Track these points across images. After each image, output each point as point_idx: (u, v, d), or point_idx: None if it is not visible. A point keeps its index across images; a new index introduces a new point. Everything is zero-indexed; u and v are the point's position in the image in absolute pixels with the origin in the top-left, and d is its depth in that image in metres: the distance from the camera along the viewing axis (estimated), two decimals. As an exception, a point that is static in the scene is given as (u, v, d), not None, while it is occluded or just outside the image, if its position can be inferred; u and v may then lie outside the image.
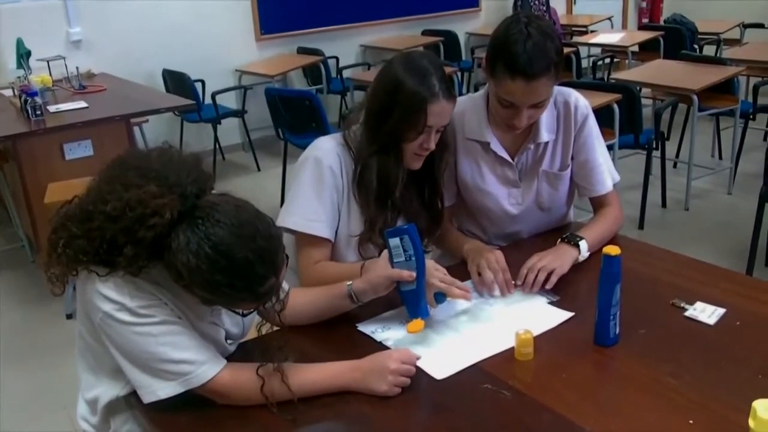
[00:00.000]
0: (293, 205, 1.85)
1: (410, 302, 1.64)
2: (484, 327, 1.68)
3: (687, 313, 1.65)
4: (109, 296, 1.32)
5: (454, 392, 1.44)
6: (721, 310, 1.65)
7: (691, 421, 1.29)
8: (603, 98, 4.06)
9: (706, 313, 1.64)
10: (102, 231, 1.29)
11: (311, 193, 1.83)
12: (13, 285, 4.14)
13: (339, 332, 1.68)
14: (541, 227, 2.14)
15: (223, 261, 1.25)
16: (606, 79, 6.54)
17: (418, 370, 1.47)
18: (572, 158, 2.05)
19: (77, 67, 4.92)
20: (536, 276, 1.77)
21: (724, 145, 5.42)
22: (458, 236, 2.07)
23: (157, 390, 1.36)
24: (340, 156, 1.86)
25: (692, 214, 4.62)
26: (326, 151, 1.86)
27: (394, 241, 1.61)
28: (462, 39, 7.46)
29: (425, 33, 7.32)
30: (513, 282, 1.79)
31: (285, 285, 1.53)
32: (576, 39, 7.12)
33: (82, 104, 4.32)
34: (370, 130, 1.83)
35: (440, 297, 1.68)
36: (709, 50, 7.18)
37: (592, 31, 7.50)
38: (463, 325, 1.68)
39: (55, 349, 3.36)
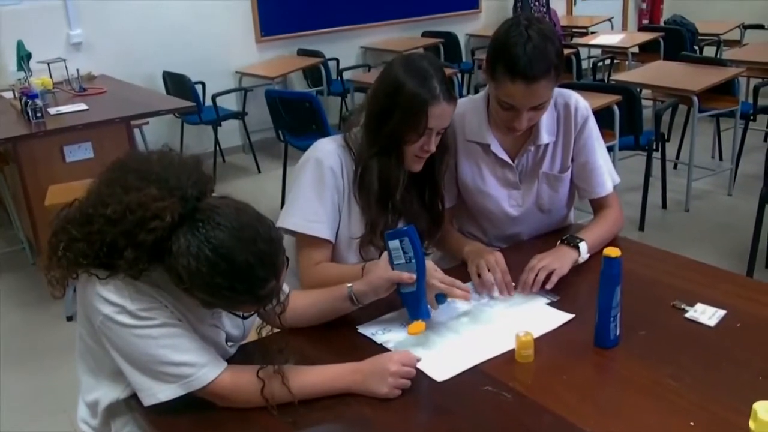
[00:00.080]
0: (294, 206, 1.85)
1: (410, 304, 1.64)
2: (484, 329, 1.68)
3: (687, 315, 1.65)
4: (109, 299, 1.32)
5: (454, 394, 1.44)
6: (721, 312, 1.65)
7: (691, 423, 1.29)
8: (603, 99, 4.06)
9: (707, 314, 1.64)
10: (102, 234, 1.29)
11: (312, 194, 1.83)
12: (13, 287, 4.14)
13: (339, 334, 1.68)
14: (542, 229, 2.14)
15: (224, 264, 1.25)
16: (606, 81, 6.55)
17: (419, 372, 1.47)
18: (572, 160, 2.05)
19: (77, 70, 4.93)
20: (536, 276, 1.77)
21: (725, 146, 5.42)
22: (458, 238, 2.07)
23: (158, 393, 1.36)
24: (341, 157, 1.86)
25: (692, 215, 4.62)
26: (327, 153, 1.86)
27: (394, 243, 1.61)
28: (462, 40, 7.46)
29: (425, 34, 7.32)
30: (513, 284, 1.79)
31: (285, 287, 1.53)
32: (576, 40, 7.12)
33: (83, 106, 4.32)
34: (371, 132, 1.83)
35: (441, 298, 1.68)
36: (709, 51, 7.18)
37: (592, 33, 7.51)
38: (464, 327, 1.68)
39: (55, 351, 3.36)
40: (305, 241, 1.85)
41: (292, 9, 6.53)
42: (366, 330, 1.69)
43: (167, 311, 1.36)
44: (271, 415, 1.37)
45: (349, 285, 1.65)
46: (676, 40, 6.54)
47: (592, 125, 2.02)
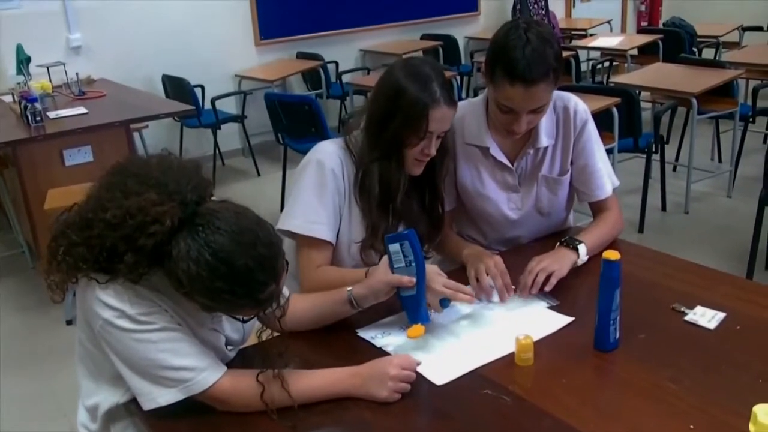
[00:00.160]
0: (294, 207, 1.85)
1: (410, 308, 1.64)
2: (484, 332, 1.68)
3: (687, 318, 1.65)
4: (109, 303, 1.32)
5: (454, 398, 1.44)
6: (721, 315, 1.65)
7: (691, 426, 1.29)
8: (602, 102, 4.06)
9: (707, 317, 1.64)
10: (102, 239, 1.29)
11: (313, 196, 1.83)
12: (13, 291, 4.14)
13: (339, 338, 1.68)
14: (541, 232, 2.14)
15: (224, 268, 1.25)
16: (605, 83, 6.55)
17: (418, 375, 1.47)
18: (571, 163, 2.05)
19: (77, 73, 4.93)
20: (535, 278, 1.77)
21: (724, 148, 5.42)
22: (458, 241, 2.07)
23: (158, 397, 1.36)
24: (342, 160, 1.86)
25: (692, 217, 4.62)
26: (328, 155, 1.86)
27: (394, 247, 1.61)
28: (461, 43, 7.46)
29: (424, 37, 7.33)
30: (512, 286, 1.79)
31: (285, 291, 1.53)
32: (575, 43, 7.12)
33: (82, 110, 4.33)
34: (372, 136, 1.83)
35: (445, 302, 1.68)
36: (708, 53, 7.19)
37: (591, 35, 7.51)
38: (463, 331, 1.68)
39: (55, 355, 3.36)
40: (306, 242, 1.84)
41: (291, 12, 6.53)
42: (366, 333, 1.69)
43: (167, 315, 1.36)
44: (271, 419, 1.37)
45: (349, 288, 1.65)
46: (675, 42, 6.54)
47: (591, 128, 2.03)
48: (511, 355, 1.54)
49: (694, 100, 4.44)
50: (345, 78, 6.49)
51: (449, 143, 1.96)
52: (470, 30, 7.73)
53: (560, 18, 8.20)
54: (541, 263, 1.80)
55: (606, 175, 2.06)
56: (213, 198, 1.38)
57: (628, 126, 4.26)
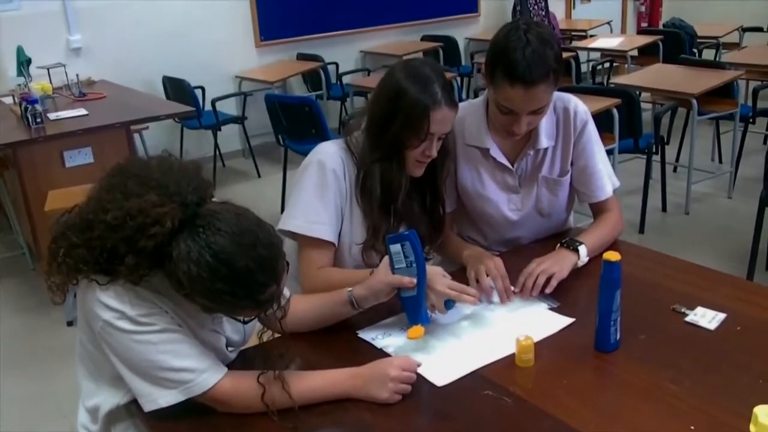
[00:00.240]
0: (296, 208, 1.84)
1: (411, 309, 1.64)
2: (484, 333, 1.68)
3: (687, 319, 1.65)
4: (109, 304, 1.32)
5: (454, 399, 1.44)
6: (721, 315, 1.65)
7: (692, 427, 1.29)
8: (602, 103, 4.06)
9: (707, 318, 1.64)
10: (102, 240, 1.29)
11: (314, 196, 1.83)
12: (13, 292, 4.14)
13: (339, 339, 1.68)
14: (541, 233, 2.14)
15: (224, 269, 1.25)
16: (605, 84, 6.55)
17: (419, 376, 1.47)
18: (572, 164, 2.05)
19: (77, 75, 4.93)
20: (536, 280, 1.77)
21: (724, 149, 5.43)
22: (458, 242, 2.07)
23: (158, 398, 1.36)
24: (344, 160, 1.86)
25: (692, 218, 4.62)
26: (330, 155, 1.86)
27: (395, 248, 1.61)
28: (461, 44, 7.47)
29: (424, 38, 7.33)
30: (513, 288, 1.79)
31: (286, 292, 1.53)
32: (575, 43, 7.12)
33: (82, 111, 4.33)
34: (373, 137, 1.83)
35: (449, 303, 1.68)
36: (708, 54, 7.19)
37: (591, 36, 7.50)
38: (464, 332, 1.68)
39: (55, 356, 3.36)
40: (307, 243, 1.84)
41: (291, 13, 6.53)
42: (366, 335, 1.69)
43: (167, 317, 1.36)
44: (272, 420, 1.37)
45: (350, 289, 1.65)
46: (675, 43, 6.54)
47: (591, 129, 2.03)
48: (512, 356, 1.54)
49: (695, 101, 4.44)
50: (345, 79, 6.50)
51: (450, 145, 1.96)
52: (470, 31, 7.73)
53: (560, 19, 8.20)
54: (541, 265, 1.80)
55: (606, 176, 2.06)
56: (213, 199, 1.38)
57: (628, 127, 4.26)
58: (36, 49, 4.94)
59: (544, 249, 1.93)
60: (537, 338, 1.56)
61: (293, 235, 1.85)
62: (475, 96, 4.96)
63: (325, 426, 1.39)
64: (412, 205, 1.93)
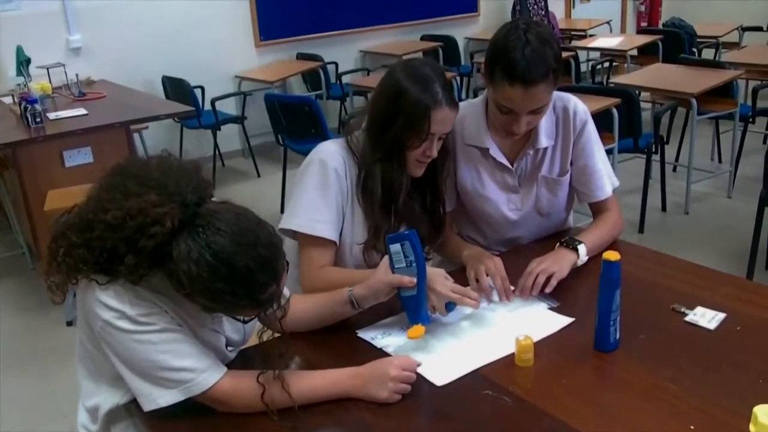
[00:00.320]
0: (297, 206, 1.84)
1: (411, 308, 1.64)
2: (484, 333, 1.68)
3: (687, 318, 1.65)
4: (109, 304, 1.32)
5: (454, 399, 1.44)
6: (721, 315, 1.65)
7: (691, 427, 1.29)
8: (602, 102, 4.06)
9: (707, 317, 1.64)
10: (102, 240, 1.29)
11: (316, 195, 1.83)
12: (13, 292, 4.14)
13: (339, 339, 1.68)
14: (541, 232, 2.14)
15: (224, 269, 1.25)
16: (605, 84, 6.56)
17: (419, 376, 1.47)
18: (571, 163, 2.05)
19: (77, 74, 4.93)
20: (535, 279, 1.77)
21: (724, 148, 5.42)
22: (458, 242, 2.07)
23: (158, 398, 1.36)
24: (345, 160, 1.86)
25: (692, 217, 4.62)
26: (331, 154, 1.86)
27: (395, 247, 1.61)
28: (461, 44, 7.46)
29: (424, 38, 7.33)
30: (512, 289, 1.79)
31: (286, 291, 1.53)
32: (575, 43, 7.12)
33: (82, 111, 4.33)
34: (373, 137, 1.83)
35: (450, 305, 1.68)
36: (707, 54, 7.19)
37: (590, 35, 7.51)
38: (464, 332, 1.68)
39: (55, 356, 3.36)
40: (308, 241, 1.84)
41: (291, 13, 6.53)
42: (366, 334, 1.69)
43: (167, 316, 1.36)
44: (272, 420, 1.37)
45: (350, 289, 1.65)
46: (675, 43, 6.54)
47: (591, 128, 2.03)
48: (512, 356, 1.54)
49: (694, 101, 4.45)
50: (345, 79, 6.50)
51: (450, 145, 1.96)
52: (470, 31, 7.73)
53: (560, 18, 8.20)
54: (540, 265, 1.80)
55: (606, 176, 2.06)
56: (213, 199, 1.38)
57: (628, 126, 4.26)
58: (36, 48, 4.94)
59: (544, 249, 1.93)
60: (537, 338, 1.56)
61: (294, 234, 1.84)
62: (475, 96, 4.97)
63: (325, 426, 1.39)
64: (413, 204, 1.93)
